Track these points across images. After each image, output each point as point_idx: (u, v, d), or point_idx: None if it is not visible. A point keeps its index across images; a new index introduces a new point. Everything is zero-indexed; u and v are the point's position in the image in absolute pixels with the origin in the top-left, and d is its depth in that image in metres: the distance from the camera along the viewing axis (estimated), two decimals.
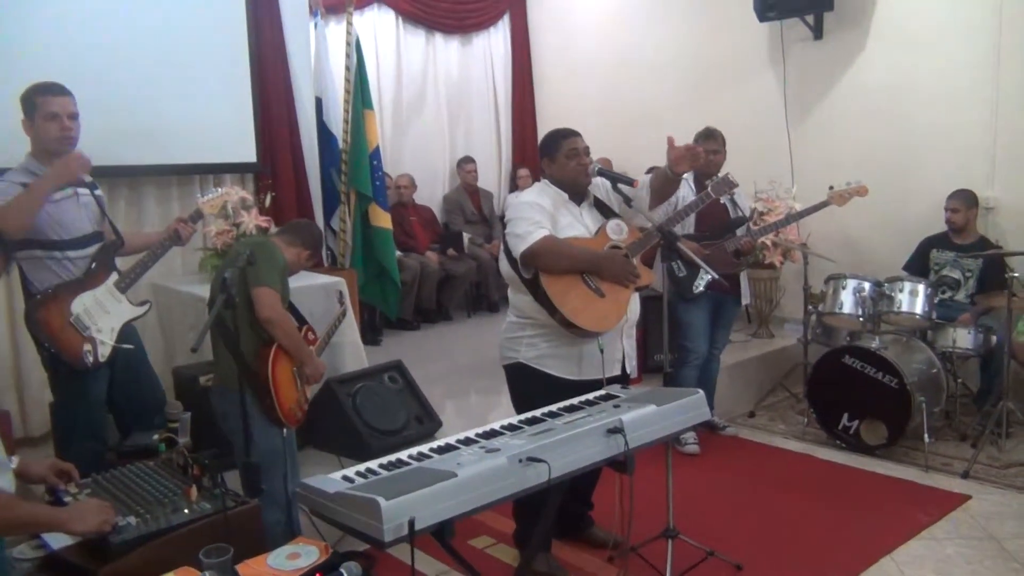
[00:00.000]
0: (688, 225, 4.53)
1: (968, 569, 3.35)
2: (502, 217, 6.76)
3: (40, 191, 3.12)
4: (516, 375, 3.29)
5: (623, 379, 3.24)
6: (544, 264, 3.06)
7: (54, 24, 4.46)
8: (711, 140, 4.58)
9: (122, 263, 3.53)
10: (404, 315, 6.73)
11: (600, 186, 3.40)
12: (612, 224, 3.26)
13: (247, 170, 5.55)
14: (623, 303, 3.17)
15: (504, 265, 3.26)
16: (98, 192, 3.50)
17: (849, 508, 3.93)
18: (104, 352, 3.29)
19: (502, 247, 3.26)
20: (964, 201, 5.14)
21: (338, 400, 3.92)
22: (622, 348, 3.27)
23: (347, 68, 5.90)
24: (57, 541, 2.21)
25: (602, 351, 3.11)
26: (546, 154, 3.33)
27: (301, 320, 3.27)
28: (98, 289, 3.33)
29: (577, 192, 3.29)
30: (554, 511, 2.48)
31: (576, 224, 3.22)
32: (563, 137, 3.29)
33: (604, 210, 3.36)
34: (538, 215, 3.12)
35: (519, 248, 3.07)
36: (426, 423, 4.14)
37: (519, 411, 3.24)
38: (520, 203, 3.25)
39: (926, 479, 4.26)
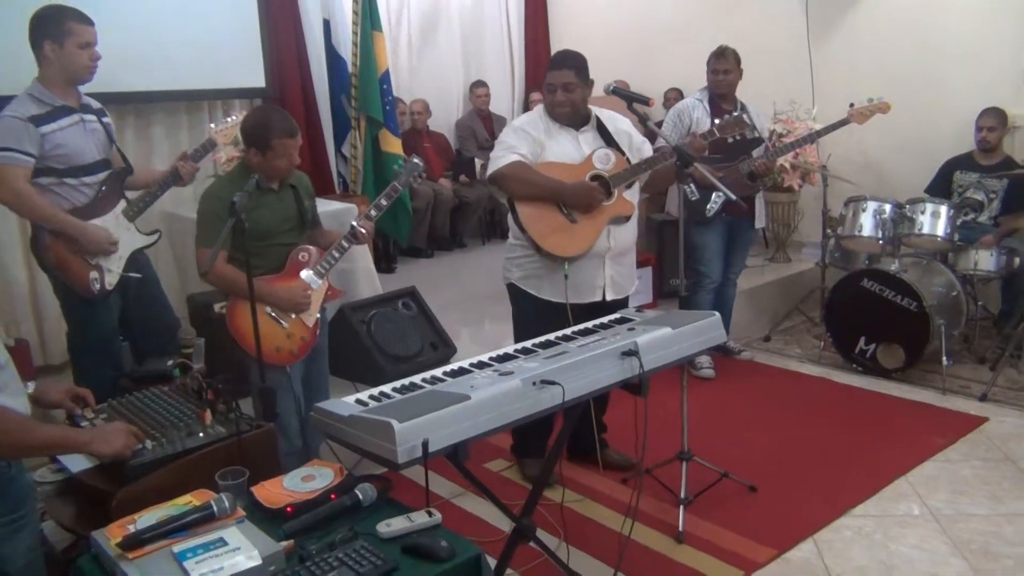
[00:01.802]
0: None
1: (984, 490, 3.35)
2: None
3: (47, 219, 3.14)
4: (511, 295, 3.45)
5: (610, 307, 3.20)
6: (508, 188, 3.21)
7: None
8: (722, 59, 4.47)
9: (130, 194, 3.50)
10: (418, 243, 6.69)
11: (611, 120, 3.36)
12: (600, 153, 3.27)
13: (256, 95, 5.46)
14: (592, 231, 3.21)
15: (495, 187, 3.41)
16: (107, 119, 3.43)
17: (864, 431, 3.92)
18: (111, 280, 3.29)
19: None
20: (998, 118, 5.00)
21: (352, 326, 3.91)
22: (604, 275, 3.29)
23: None
24: (76, 465, 2.23)
25: (566, 277, 3.18)
26: (538, 88, 3.36)
27: (301, 221, 3.17)
28: (106, 216, 3.30)
29: (558, 121, 3.28)
30: (570, 430, 2.48)
31: (571, 150, 3.26)
32: (547, 70, 3.31)
33: (607, 138, 3.33)
34: (517, 140, 3.22)
35: (489, 170, 3.23)
36: (440, 349, 4.13)
37: (517, 331, 3.42)
38: (508, 128, 3.37)
39: (943, 402, 4.24)
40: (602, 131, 3.33)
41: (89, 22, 3.19)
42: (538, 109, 3.37)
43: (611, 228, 3.24)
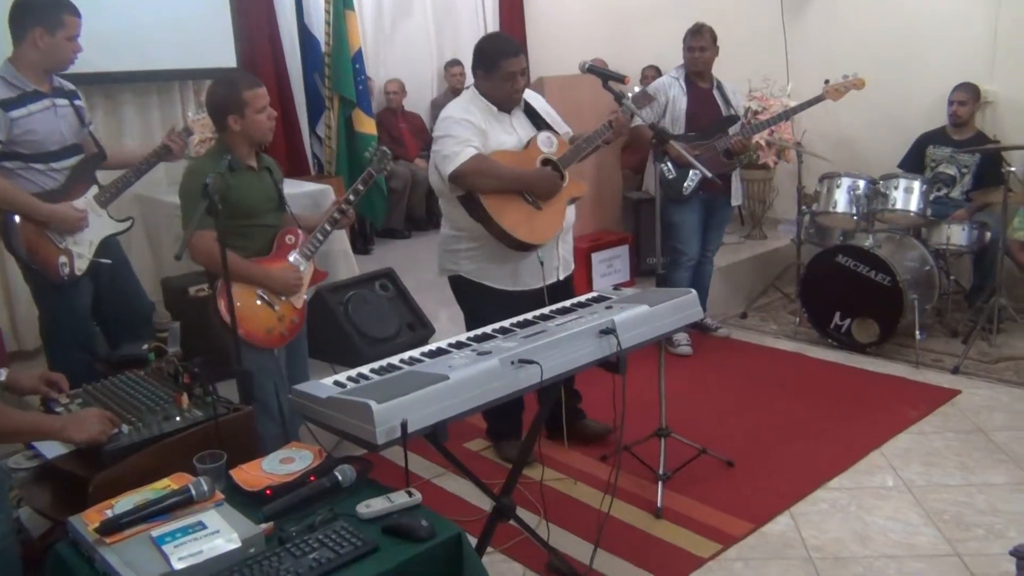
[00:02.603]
0: (679, 125, 4.44)
1: (956, 461, 3.41)
2: None
3: (22, 206, 3.10)
4: (457, 287, 3.38)
5: (567, 283, 3.28)
6: (472, 184, 3.07)
7: None
8: (698, 36, 4.47)
9: (104, 178, 3.45)
10: (395, 224, 6.66)
11: (534, 99, 3.35)
12: (542, 136, 3.23)
13: None
14: (560, 213, 3.21)
15: (434, 177, 3.24)
16: (78, 102, 3.38)
17: (839, 405, 3.97)
18: (81, 265, 3.25)
19: (432, 160, 3.20)
20: (970, 93, 5.05)
21: (329, 308, 3.91)
22: (558, 255, 3.31)
23: None
24: (51, 451, 2.21)
25: (542, 263, 3.17)
26: (481, 67, 3.21)
27: (277, 205, 3.13)
28: (77, 202, 3.25)
29: (508, 107, 3.23)
30: (548, 409, 2.49)
31: (507, 136, 3.20)
32: (503, 56, 3.14)
33: (536, 119, 3.30)
34: (466, 132, 3.08)
35: (447, 169, 3.05)
36: (418, 330, 4.13)
37: (469, 322, 3.37)
38: (448, 119, 3.16)
39: (917, 375, 4.30)
40: (529, 112, 3.30)
41: (79, 14, 3.18)
42: (468, 95, 3.24)
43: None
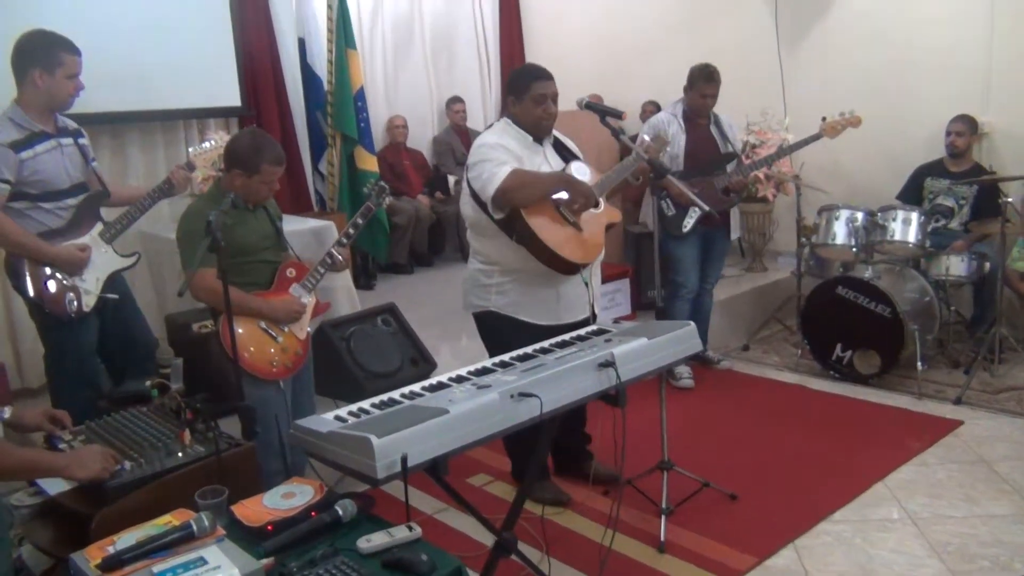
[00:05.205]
0: (677, 163, 4.48)
1: (960, 492, 3.39)
2: None
3: (26, 248, 3.14)
4: (485, 324, 3.30)
5: (591, 320, 3.24)
6: (518, 198, 3.01)
7: None
8: (711, 83, 4.45)
9: (108, 215, 3.49)
10: (398, 259, 6.70)
11: (562, 136, 3.38)
12: (576, 165, 3.25)
13: (232, 114, 5.47)
14: (599, 237, 3.20)
15: (467, 209, 3.21)
16: (83, 140, 3.43)
17: (843, 437, 3.96)
18: (89, 301, 3.28)
19: (466, 191, 3.19)
20: (968, 125, 5.10)
21: (332, 343, 3.93)
22: (590, 289, 3.28)
23: (329, 7, 5.77)
24: (54, 487, 2.22)
25: (587, 284, 3.15)
26: (513, 92, 3.23)
27: (273, 241, 3.17)
28: (82, 239, 3.29)
29: (539, 134, 3.24)
30: (548, 444, 2.49)
31: (543, 165, 3.21)
32: (534, 78, 3.18)
33: (563, 151, 3.33)
34: (502, 155, 3.07)
35: (488, 191, 3.01)
36: (421, 365, 4.15)
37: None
38: (483, 145, 3.15)
39: (919, 406, 4.29)
40: (558, 147, 3.33)
41: (78, 52, 3.22)
42: (501, 125, 3.26)
43: None
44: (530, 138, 3.22)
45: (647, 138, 3.44)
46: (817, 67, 6.12)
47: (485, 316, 3.27)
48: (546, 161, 3.23)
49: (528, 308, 3.19)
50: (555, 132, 3.34)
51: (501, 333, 3.19)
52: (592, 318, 3.27)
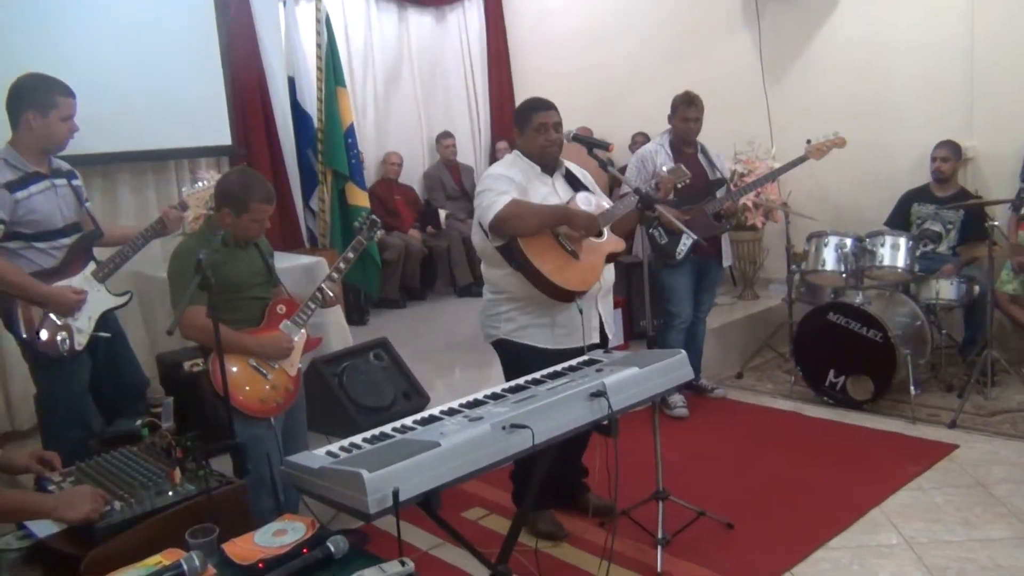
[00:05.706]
0: None
1: (957, 516, 3.38)
2: None
3: (19, 287, 3.13)
4: (502, 352, 3.35)
5: (603, 345, 3.26)
6: (514, 227, 3.08)
7: (13, 9, 4.38)
8: (692, 107, 4.53)
9: (101, 254, 3.49)
10: (390, 294, 6.71)
11: (574, 168, 3.41)
12: (582, 196, 3.29)
13: (222, 153, 5.49)
14: (597, 266, 3.21)
15: (477, 238, 3.28)
16: (76, 182, 3.44)
17: (838, 463, 3.95)
18: (81, 340, 3.27)
19: (476, 220, 3.26)
20: (952, 150, 5.15)
21: (324, 379, 3.91)
22: (599, 314, 3.30)
23: (318, 46, 5.84)
24: (43, 529, 2.19)
25: (581, 312, 3.15)
26: (518, 125, 3.33)
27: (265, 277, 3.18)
28: (75, 278, 3.29)
29: (547, 164, 3.30)
30: (542, 475, 2.48)
31: (551, 196, 3.25)
32: (535, 110, 3.27)
33: (574, 182, 3.37)
34: (505, 185, 3.14)
35: (487, 218, 3.09)
36: (414, 399, 4.13)
37: None
38: (489, 176, 3.25)
39: (913, 431, 4.29)
40: (569, 178, 3.38)
41: (72, 95, 3.25)
42: (511, 158, 3.34)
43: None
44: (538, 168, 3.28)
45: (664, 170, 3.47)
46: (802, 96, 6.19)
47: (499, 344, 3.32)
48: (554, 192, 3.27)
49: (531, 333, 3.23)
50: (567, 164, 3.39)
51: (519, 359, 3.21)
52: (604, 342, 3.29)
